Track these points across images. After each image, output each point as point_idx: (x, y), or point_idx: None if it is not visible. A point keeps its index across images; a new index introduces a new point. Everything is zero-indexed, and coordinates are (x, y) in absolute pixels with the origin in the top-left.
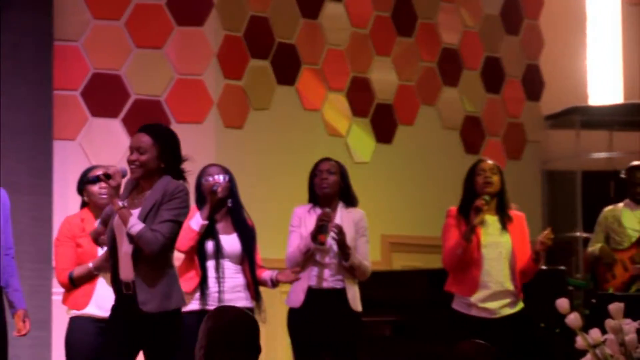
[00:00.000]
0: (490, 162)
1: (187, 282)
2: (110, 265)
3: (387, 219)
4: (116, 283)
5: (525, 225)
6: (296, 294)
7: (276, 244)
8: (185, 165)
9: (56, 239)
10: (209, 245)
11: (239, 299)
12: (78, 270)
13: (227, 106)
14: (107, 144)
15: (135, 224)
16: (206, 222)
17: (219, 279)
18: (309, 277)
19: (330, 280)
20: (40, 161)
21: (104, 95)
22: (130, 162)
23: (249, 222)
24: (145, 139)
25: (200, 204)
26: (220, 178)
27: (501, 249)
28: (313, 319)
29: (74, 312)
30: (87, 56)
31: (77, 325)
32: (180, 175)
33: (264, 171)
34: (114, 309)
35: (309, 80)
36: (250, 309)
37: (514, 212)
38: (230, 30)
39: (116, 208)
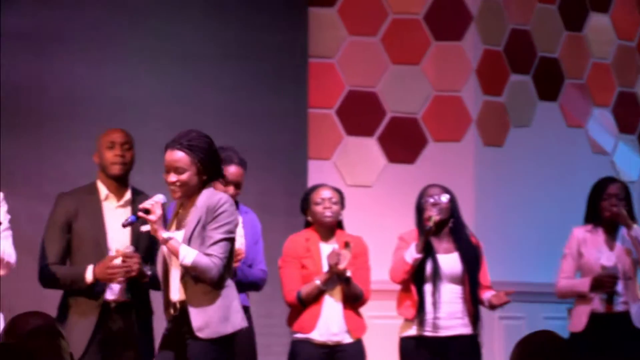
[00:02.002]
0: None
1: (406, 309)
2: (163, 289)
3: None
4: (167, 307)
5: None
6: (578, 318)
7: (539, 266)
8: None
9: (281, 259)
10: (427, 266)
11: (458, 325)
12: (306, 289)
13: (486, 123)
14: (362, 164)
15: (187, 254)
16: (420, 256)
17: (436, 304)
18: (594, 301)
19: (616, 303)
20: (295, 181)
21: (360, 113)
22: (169, 184)
23: (473, 240)
24: (181, 157)
25: (419, 224)
26: (443, 199)
27: None
28: (597, 344)
29: (298, 336)
30: (342, 73)
31: (299, 350)
32: (222, 176)
33: (525, 191)
34: (165, 334)
35: (572, 96)
36: (467, 336)
37: None
38: (490, 45)
39: (162, 242)
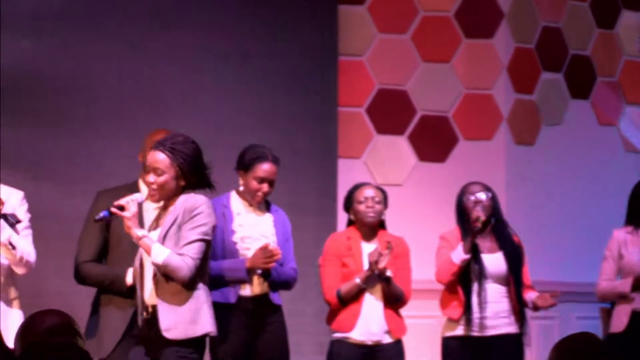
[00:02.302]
0: None
1: (453, 310)
2: (138, 291)
3: None
4: (140, 310)
5: None
6: (619, 318)
7: (570, 265)
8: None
9: (322, 258)
10: (472, 266)
11: (503, 325)
12: (345, 287)
13: (517, 122)
14: (393, 162)
15: (159, 253)
16: (468, 257)
17: (482, 303)
18: (636, 300)
19: None
20: (324, 180)
21: (390, 112)
22: (147, 184)
23: (515, 239)
24: (162, 159)
25: (461, 223)
26: (484, 197)
27: None
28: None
29: (337, 335)
30: (372, 71)
31: (338, 349)
32: (207, 185)
33: (556, 189)
34: (137, 335)
35: (604, 94)
36: (513, 335)
37: None
38: (521, 42)
39: (135, 239)
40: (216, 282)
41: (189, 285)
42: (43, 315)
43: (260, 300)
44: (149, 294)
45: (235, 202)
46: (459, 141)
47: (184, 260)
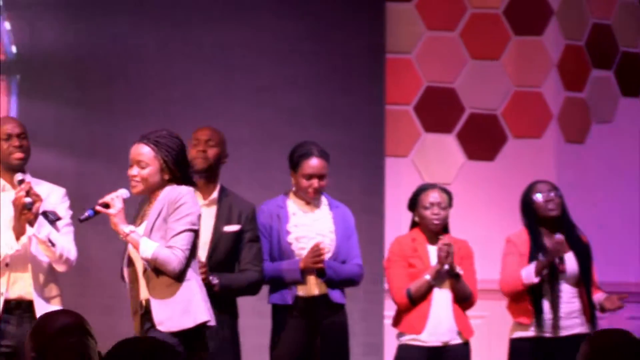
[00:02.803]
0: None
1: (523, 311)
2: (130, 289)
3: None
4: (135, 308)
5: None
6: None
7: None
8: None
9: (387, 260)
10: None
11: (575, 325)
12: (415, 285)
13: (567, 120)
14: (441, 161)
15: (147, 247)
16: (537, 280)
17: (555, 304)
18: None
19: None
20: (371, 179)
21: (438, 110)
22: (130, 177)
23: (584, 239)
24: (146, 151)
25: (529, 222)
26: (554, 195)
27: None
28: None
29: (406, 337)
30: (420, 69)
31: (407, 349)
32: (188, 182)
33: (606, 188)
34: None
35: None
36: (584, 335)
37: None
38: (571, 39)
39: (123, 236)
40: (274, 284)
41: (180, 277)
42: (55, 315)
43: (318, 300)
44: (144, 291)
45: (291, 203)
46: (508, 139)
47: (173, 252)
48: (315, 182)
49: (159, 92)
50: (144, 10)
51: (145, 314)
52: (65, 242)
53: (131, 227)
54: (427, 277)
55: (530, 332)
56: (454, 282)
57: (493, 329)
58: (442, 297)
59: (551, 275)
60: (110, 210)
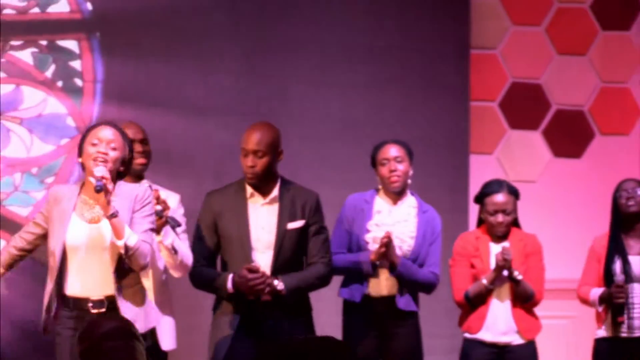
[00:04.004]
0: None
1: (600, 314)
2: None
3: None
4: (68, 299)
5: None
6: None
7: None
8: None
9: (452, 258)
10: (617, 267)
11: None
12: (473, 289)
13: None
14: (526, 158)
15: (131, 234)
16: (601, 309)
17: (628, 305)
18: None
19: None
20: (456, 176)
21: (523, 106)
22: (101, 153)
23: None
24: (118, 137)
25: (611, 221)
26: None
27: None
28: None
29: (467, 336)
30: (505, 65)
31: (469, 350)
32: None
33: None
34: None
35: None
36: None
37: None
38: None
39: (109, 217)
40: (346, 276)
41: (138, 277)
42: (102, 320)
43: (386, 302)
44: (98, 287)
45: (379, 200)
46: (596, 136)
47: (148, 247)
48: (393, 165)
49: (250, 89)
50: (236, 6)
51: (108, 312)
52: (185, 248)
53: (116, 211)
54: (484, 281)
55: (607, 333)
56: (514, 285)
57: (580, 329)
58: (501, 297)
59: (627, 276)
60: (109, 187)
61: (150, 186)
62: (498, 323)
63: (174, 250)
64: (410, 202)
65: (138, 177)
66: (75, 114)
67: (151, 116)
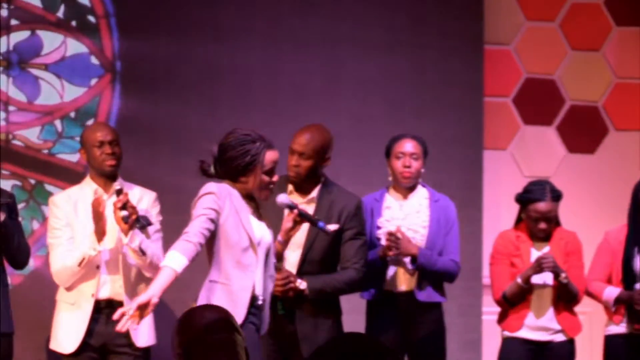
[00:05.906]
0: None
1: (617, 310)
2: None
3: None
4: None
5: None
6: None
7: None
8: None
9: (491, 256)
10: (637, 263)
11: None
12: (510, 289)
13: None
14: (540, 154)
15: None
16: (614, 310)
17: None
18: None
19: None
20: (470, 172)
21: (538, 102)
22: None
23: None
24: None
25: (629, 217)
26: None
27: None
28: None
29: (507, 334)
30: (519, 60)
31: (510, 348)
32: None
33: None
34: None
35: None
36: None
37: None
38: None
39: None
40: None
41: None
42: (202, 310)
43: (407, 297)
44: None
45: (389, 196)
46: (610, 132)
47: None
48: (407, 161)
49: (265, 85)
50: (250, 1)
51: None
52: (155, 249)
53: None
54: (519, 280)
55: (623, 328)
56: (560, 286)
57: (595, 325)
58: (543, 295)
59: None
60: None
61: (121, 189)
62: (539, 321)
63: (141, 252)
64: (421, 193)
65: (111, 177)
66: (97, 52)
67: (169, 45)
